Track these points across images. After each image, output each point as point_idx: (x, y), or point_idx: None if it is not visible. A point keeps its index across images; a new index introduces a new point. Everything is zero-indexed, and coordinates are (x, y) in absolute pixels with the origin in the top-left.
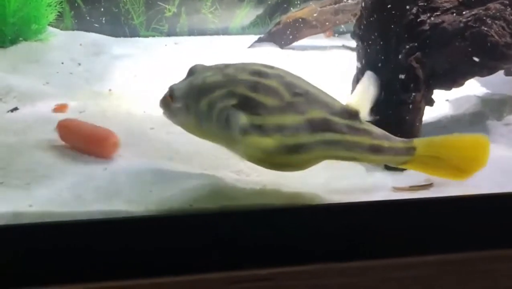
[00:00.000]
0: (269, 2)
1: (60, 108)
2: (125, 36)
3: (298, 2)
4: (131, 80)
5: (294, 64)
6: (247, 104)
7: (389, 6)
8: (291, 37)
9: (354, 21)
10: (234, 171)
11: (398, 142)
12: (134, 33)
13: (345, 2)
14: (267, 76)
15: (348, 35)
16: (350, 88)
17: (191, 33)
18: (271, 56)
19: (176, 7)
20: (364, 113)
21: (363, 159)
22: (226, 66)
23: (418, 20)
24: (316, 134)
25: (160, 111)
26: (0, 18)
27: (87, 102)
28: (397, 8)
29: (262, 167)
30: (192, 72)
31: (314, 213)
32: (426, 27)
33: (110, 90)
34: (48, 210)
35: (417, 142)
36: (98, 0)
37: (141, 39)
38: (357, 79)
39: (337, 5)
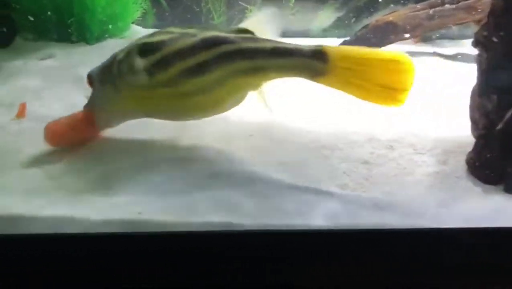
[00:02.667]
0: (352, 6)
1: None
2: None
3: (383, 6)
4: None
5: None
6: (146, 50)
7: None
8: (378, 41)
9: (478, 28)
10: (339, 185)
11: (304, 46)
12: None
13: (441, 7)
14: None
15: (439, 41)
16: (469, 102)
17: None
18: None
19: (257, 7)
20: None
21: (269, 68)
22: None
23: None
24: (212, 49)
25: (258, 117)
26: (88, 15)
27: None
28: None
29: (179, 116)
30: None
31: (436, 236)
32: None
33: None
34: (158, 219)
35: (328, 48)
36: None
37: None
38: (478, 91)
39: (432, 10)
